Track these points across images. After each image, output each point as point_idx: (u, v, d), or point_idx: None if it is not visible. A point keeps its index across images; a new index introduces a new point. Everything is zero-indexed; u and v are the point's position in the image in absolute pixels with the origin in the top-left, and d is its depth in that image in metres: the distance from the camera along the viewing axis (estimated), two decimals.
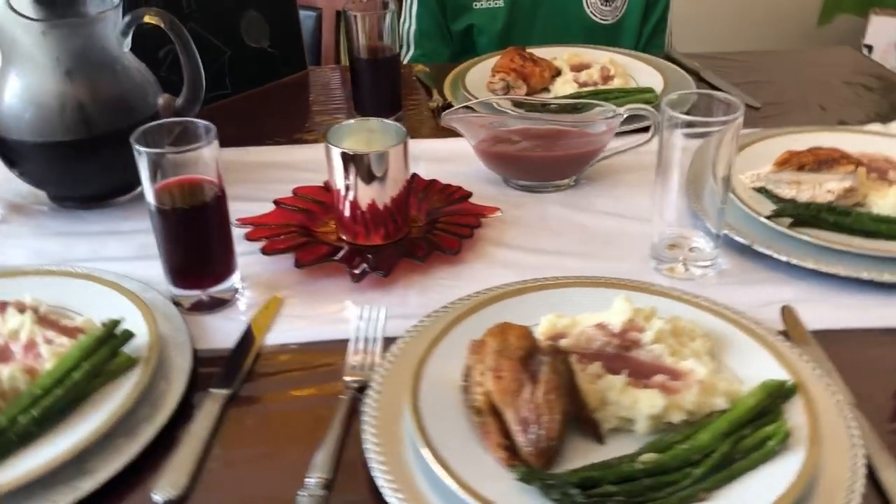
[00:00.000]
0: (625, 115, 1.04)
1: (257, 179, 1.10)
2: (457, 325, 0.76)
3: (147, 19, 0.99)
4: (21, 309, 0.77)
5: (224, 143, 0.81)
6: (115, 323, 0.74)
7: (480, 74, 1.36)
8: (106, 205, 1.05)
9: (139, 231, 0.99)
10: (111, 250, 0.96)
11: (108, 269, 0.87)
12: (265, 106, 1.37)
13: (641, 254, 0.93)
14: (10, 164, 1.01)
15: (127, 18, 0.98)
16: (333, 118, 1.30)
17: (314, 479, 0.64)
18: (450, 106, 1.28)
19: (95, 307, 0.80)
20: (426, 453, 0.62)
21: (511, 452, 0.62)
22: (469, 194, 1.01)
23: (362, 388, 0.73)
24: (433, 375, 0.70)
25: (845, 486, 0.61)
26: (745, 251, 0.91)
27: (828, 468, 0.62)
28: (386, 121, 0.94)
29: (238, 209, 0.91)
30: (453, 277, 0.90)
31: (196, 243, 0.83)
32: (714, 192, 0.85)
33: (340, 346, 0.79)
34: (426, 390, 0.68)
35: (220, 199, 0.81)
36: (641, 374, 0.68)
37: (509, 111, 1.11)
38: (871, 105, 1.33)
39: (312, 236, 0.95)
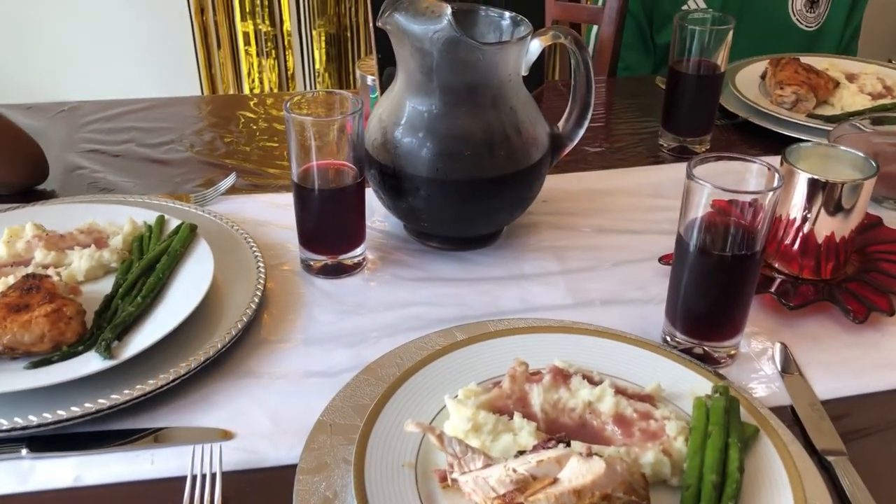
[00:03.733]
0: None
1: (612, 208, 1.03)
2: None
3: (547, 39, 0.89)
4: (589, 378, 0.68)
5: None
6: (726, 389, 0.66)
7: (743, 85, 1.31)
8: (479, 245, 0.95)
9: (550, 273, 0.91)
10: (541, 299, 0.87)
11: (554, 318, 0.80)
12: None
13: None
14: (399, 198, 0.89)
15: (534, 41, 0.88)
16: (622, 136, 1.23)
17: None
18: (741, 121, 1.23)
19: (628, 367, 0.72)
20: None
21: None
22: (880, 219, 0.96)
23: None
24: None
25: None
26: None
27: None
28: (845, 148, 0.88)
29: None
30: None
31: (724, 292, 0.75)
32: None
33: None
34: None
35: (763, 251, 0.74)
36: None
37: (880, 129, 1.06)
38: None
39: None
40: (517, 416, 0.65)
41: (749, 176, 0.74)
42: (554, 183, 1.08)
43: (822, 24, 1.62)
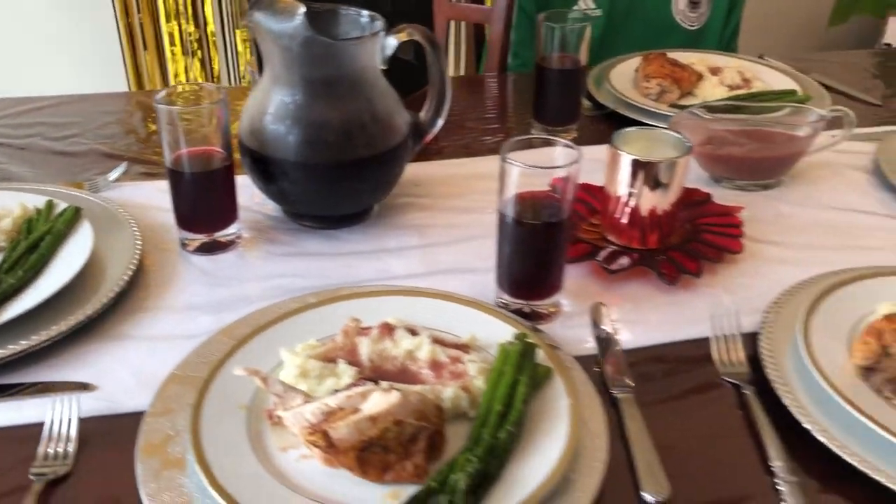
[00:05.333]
0: (829, 118, 1.13)
1: (477, 190, 1.12)
2: (811, 318, 0.82)
3: (403, 36, 0.99)
4: (411, 331, 0.78)
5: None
6: (524, 336, 0.76)
7: (618, 79, 1.42)
8: (349, 224, 1.04)
9: (410, 247, 1.01)
10: (397, 268, 0.96)
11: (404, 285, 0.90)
12: None
13: (888, 242, 1.02)
14: (270, 182, 0.98)
15: (389, 38, 0.98)
16: (497, 127, 1.33)
17: (779, 467, 0.69)
18: (608, 111, 1.34)
19: (458, 323, 0.81)
20: (888, 435, 0.68)
21: None
22: (709, 195, 1.07)
23: (749, 380, 0.78)
24: (823, 365, 0.76)
25: None
26: None
27: None
28: (665, 130, 0.99)
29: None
30: (742, 275, 0.95)
31: (541, 256, 0.85)
32: None
33: (687, 345, 0.85)
34: (833, 379, 0.74)
35: (569, 218, 0.84)
36: None
37: (717, 116, 1.17)
38: None
39: (585, 241, 0.99)
40: (341, 363, 0.74)
41: (558, 155, 0.84)
42: (430, 168, 1.18)
43: (704, 23, 1.74)
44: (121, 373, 0.80)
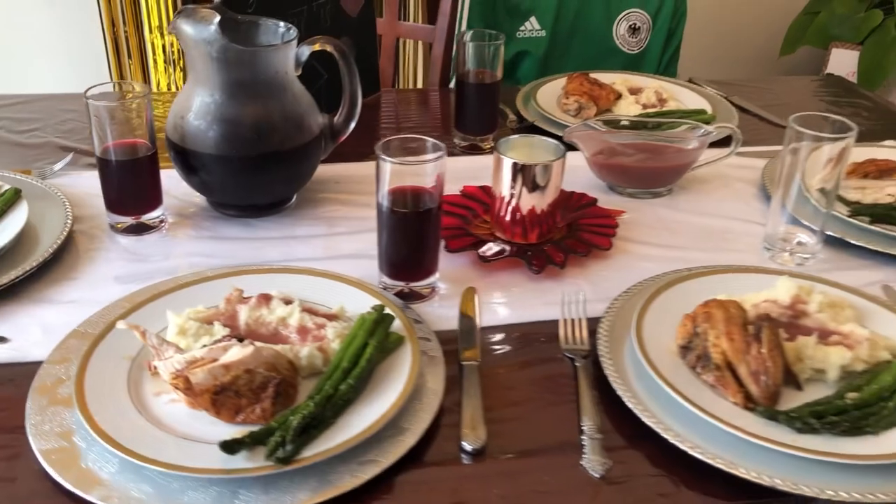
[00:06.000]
0: (715, 133, 1.23)
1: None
2: (650, 304, 0.92)
3: (318, 46, 1.11)
4: (286, 301, 0.88)
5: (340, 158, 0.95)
6: (382, 307, 0.86)
7: (546, 96, 1.53)
8: (268, 214, 1.15)
9: (316, 236, 1.11)
10: (300, 253, 1.07)
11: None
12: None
13: (750, 246, 1.12)
14: (192, 173, 1.10)
15: (303, 47, 1.10)
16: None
17: (588, 426, 0.79)
18: (529, 124, 1.44)
19: (335, 297, 0.92)
20: (679, 398, 0.78)
21: (747, 398, 0.79)
22: (595, 200, 1.17)
23: (585, 356, 0.88)
24: (649, 343, 0.86)
25: None
26: (836, 243, 1.11)
27: None
28: (544, 137, 1.09)
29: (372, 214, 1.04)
30: (607, 269, 1.06)
31: (414, 242, 0.96)
32: (818, 197, 1.05)
33: (540, 325, 0.95)
34: (652, 353, 0.84)
35: (439, 207, 0.95)
36: (820, 336, 0.86)
37: (611, 130, 1.27)
38: (873, 123, 1.57)
39: (475, 236, 1.09)
40: (217, 324, 0.85)
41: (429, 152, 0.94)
42: (352, 168, 1.28)
43: (644, 48, 1.85)
44: (33, 329, 0.91)
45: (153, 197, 1.10)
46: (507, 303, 0.99)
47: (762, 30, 2.81)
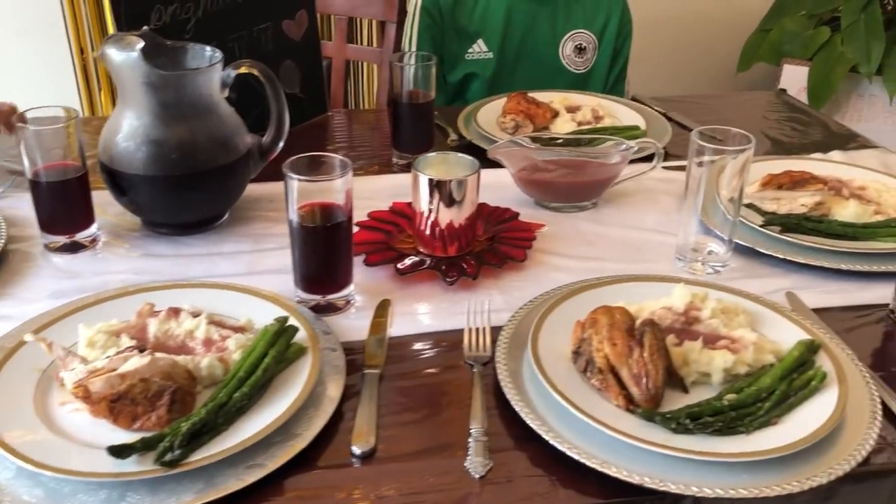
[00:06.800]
0: (636, 148, 1.27)
1: None
2: (551, 311, 0.95)
3: (244, 69, 1.15)
4: (194, 314, 0.92)
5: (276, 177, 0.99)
6: (285, 319, 0.90)
7: (487, 115, 1.57)
8: (199, 231, 1.19)
9: (241, 252, 1.15)
10: (222, 269, 1.11)
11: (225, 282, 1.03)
12: (298, 145, 1.53)
13: (665, 256, 1.15)
14: (122, 194, 1.14)
15: (228, 70, 1.14)
16: (369, 155, 1.48)
17: (475, 429, 0.82)
18: (467, 142, 1.48)
19: (247, 311, 0.95)
20: (561, 400, 0.81)
21: (629, 400, 0.82)
22: (517, 214, 1.21)
23: (485, 363, 0.91)
24: (544, 350, 0.89)
25: (868, 412, 0.83)
26: (748, 252, 1.14)
27: (853, 399, 0.84)
28: (460, 154, 1.13)
29: None
30: (522, 280, 1.09)
31: (327, 256, 1.00)
32: (727, 208, 1.09)
33: (450, 335, 0.98)
34: (545, 359, 0.87)
35: (349, 221, 0.98)
36: (708, 340, 0.90)
37: (538, 146, 1.31)
38: (807, 137, 1.61)
39: (397, 250, 1.13)
40: (124, 337, 0.88)
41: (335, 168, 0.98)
42: None
43: (591, 67, 1.89)
44: None
45: (85, 216, 1.14)
46: (420, 313, 1.03)
47: (721, 47, 2.87)
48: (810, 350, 0.88)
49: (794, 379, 0.85)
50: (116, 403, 0.78)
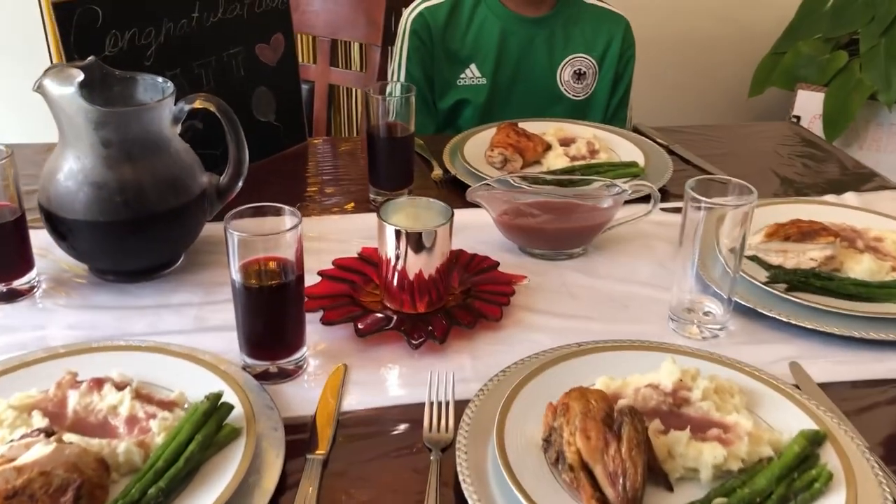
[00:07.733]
0: (629, 192, 1.16)
1: None
2: (522, 388, 0.85)
3: (198, 104, 1.05)
4: (119, 386, 0.82)
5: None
6: (218, 396, 0.80)
7: (475, 147, 1.47)
8: (149, 279, 1.09)
9: (190, 304, 1.05)
10: (168, 324, 1.01)
11: (172, 343, 0.93)
12: (273, 176, 1.43)
13: (657, 316, 1.04)
14: (62, 238, 1.04)
15: (180, 105, 1.04)
16: (347, 189, 1.38)
17: None
18: (451, 177, 1.38)
19: (182, 381, 0.85)
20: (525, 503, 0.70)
21: (603, 502, 0.71)
22: (497, 264, 1.10)
23: (444, 449, 0.81)
24: (513, 434, 0.79)
25: None
26: (749, 313, 1.03)
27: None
28: (432, 200, 1.03)
29: None
30: (497, 342, 0.99)
31: (274, 318, 0.89)
32: (726, 264, 0.98)
33: (413, 409, 0.87)
34: (511, 448, 0.77)
35: (299, 279, 0.88)
36: (698, 428, 0.79)
37: (524, 186, 1.20)
38: (820, 176, 1.50)
39: (361, 305, 1.02)
40: (35, 414, 0.78)
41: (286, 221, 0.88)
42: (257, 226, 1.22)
43: (591, 94, 1.78)
44: None
45: (23, 262, 1.05)
46: (379, 382, 0.92)
47: (731, 71, 2.74)
48: (814, 443, 0.77)
49: (794, 479, 0.74)
50: (12, 501, 0.68)
